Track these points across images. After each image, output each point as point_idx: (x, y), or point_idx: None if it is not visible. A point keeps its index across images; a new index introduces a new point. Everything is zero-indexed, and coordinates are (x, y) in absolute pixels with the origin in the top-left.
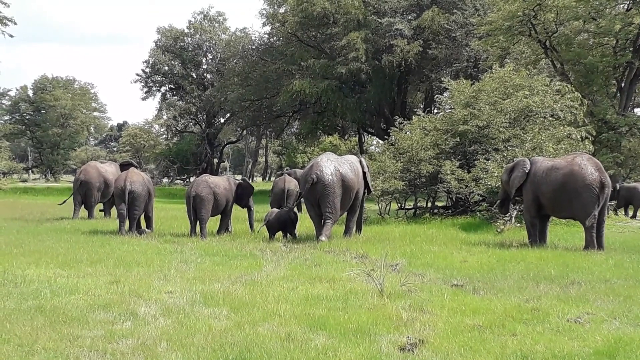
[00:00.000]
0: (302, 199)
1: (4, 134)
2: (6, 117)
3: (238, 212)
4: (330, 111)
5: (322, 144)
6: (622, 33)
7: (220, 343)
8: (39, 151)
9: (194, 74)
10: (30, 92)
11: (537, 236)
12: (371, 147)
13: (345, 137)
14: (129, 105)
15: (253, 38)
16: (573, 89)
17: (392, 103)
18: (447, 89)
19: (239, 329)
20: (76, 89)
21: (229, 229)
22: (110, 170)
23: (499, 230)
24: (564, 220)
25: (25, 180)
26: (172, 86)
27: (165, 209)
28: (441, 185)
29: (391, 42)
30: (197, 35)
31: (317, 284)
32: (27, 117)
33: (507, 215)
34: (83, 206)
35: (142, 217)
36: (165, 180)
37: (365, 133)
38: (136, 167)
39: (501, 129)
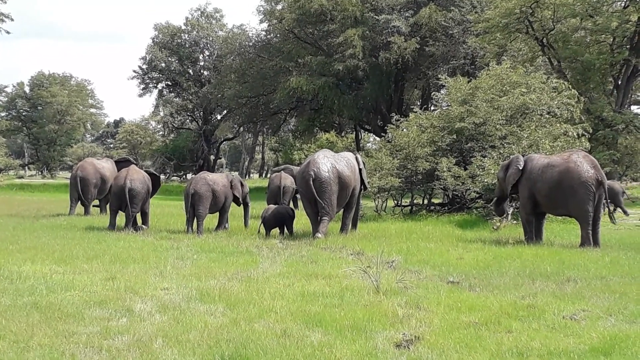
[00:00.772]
0: (299, 196)
1: (1, 131)
2: (3, 114)
3: (234, 210)
4: (327, 108)
5: (318, 141)
6: (619, 30)
7: (216, 339)
8: (36, 148)
9: (190, 71)
10: (27, 89)
11: (533, 233)
12: (368, 144)
13: (342, 134)
14: (126, 101)
15: (250, 35)
16: (570, 86)
17: (389, 100)
18: (444, 86)
19: (235, 326)
20: (73, 85)
21: (226, 226)
22: (107, 166)
23: (495, 227)
24: (560, 218)
25: (21, 177)
26: (169, 83)
27: (161, 205)
28: (438, 182)
29: (388, 39)
30: (194, 32)
31: (313, 280)
32: (23, 114)
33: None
34: (79, 202)
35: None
36: (162, 177)
37: (362, 130)
38: (135, 164)
39: (498, 126)
